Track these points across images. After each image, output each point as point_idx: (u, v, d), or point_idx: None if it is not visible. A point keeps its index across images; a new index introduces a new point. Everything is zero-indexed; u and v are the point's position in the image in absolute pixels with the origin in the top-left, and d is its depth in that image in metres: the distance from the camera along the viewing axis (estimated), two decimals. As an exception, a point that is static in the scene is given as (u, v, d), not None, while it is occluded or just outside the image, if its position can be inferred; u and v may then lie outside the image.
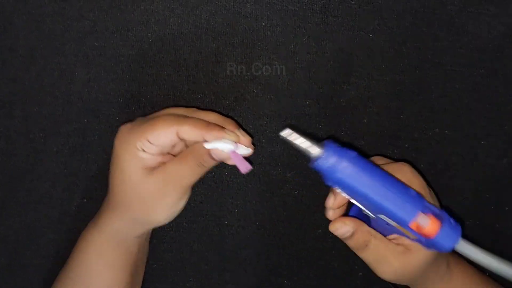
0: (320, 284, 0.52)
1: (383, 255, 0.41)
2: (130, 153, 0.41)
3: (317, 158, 0.37)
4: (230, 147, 0.40)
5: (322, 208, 0.50)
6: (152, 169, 0.41)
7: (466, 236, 0.38)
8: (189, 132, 0.40)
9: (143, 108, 0.49)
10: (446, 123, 0.49)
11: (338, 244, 0.51)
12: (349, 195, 0.39)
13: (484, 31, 0.48)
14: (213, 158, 0.41)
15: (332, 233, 0.51)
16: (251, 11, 0.47)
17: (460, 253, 0.38)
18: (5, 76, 0.48)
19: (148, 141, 0.40)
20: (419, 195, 0.38)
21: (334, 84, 0.48)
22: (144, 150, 0.41)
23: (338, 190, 0.39)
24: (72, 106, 0.48)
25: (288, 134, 0.38)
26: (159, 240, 0.51)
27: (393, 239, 0.42)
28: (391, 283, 0.48)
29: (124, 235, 0.44)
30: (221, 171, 0.50)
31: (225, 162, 0.42)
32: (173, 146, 0.43)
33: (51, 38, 0.47)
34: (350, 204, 0.43)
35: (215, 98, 0.48)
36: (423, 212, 0.37)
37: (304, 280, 0.52)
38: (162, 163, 0.42)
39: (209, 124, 0.41)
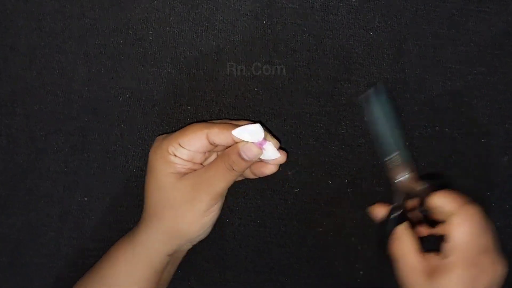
0: (321, 282, 0.52)
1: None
2: (162, 159, 0.41)
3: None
4: (257, 132, 0.39)
5: (323, 206, 0.51)
6: (183, 175, 0.41)
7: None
8: (218, 134, 0.40)
9: (144, 106, 0.49)
10: (446, 121, 0.49)
11: (339, 242, 0.51)
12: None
13: (484, 28, 0.48)
14: (242, 158, 0.39)
15: (332, 232, 0.51)
16: (251, 9, 0.47)
17: None
18: (6, 74, 0.48)
19: (180, 145, 0.41)
20: None
21: (334, 82, 0.48)
22: (175, 155, 0.41)
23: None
24: (73, 105, 0.48)
25: None
26: (160, 238, 0.51)
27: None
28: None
29: (156, 252, 0.43)
30: (222, 169, 0.50)
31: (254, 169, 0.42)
32: (205, 156, 0.43)
33: (52, 36, 0.47)
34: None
35: (215, 96, 0.49)
36: None
37: (305, 278, 0.52)
38: (193, 170, 0.42)
39: (237, 126, 0.40)
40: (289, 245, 0.51)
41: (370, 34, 0.48)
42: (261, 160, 0.42)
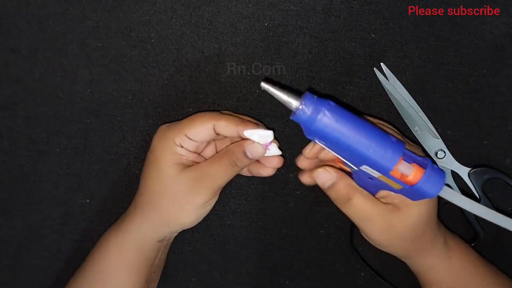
0: (322, 284, 0.52)
1: (369, 213, 0.40)
2: (167, 149, 0.42)
3: (296, 110, 0.36)
4: (268, 137, 0.41)
5: (324, 208, 0.51)
6: (185, 167, 0.42)
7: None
8: (226, 127, 0.41)
9: (146, 108, 0.49)
10: (448, 123, 0.49)
11: (340, 244, 0.51)
12: (329, 146, 0.37)
13: (486, 31, 0.48)
14: (247, 156, 0.41)
15: (334, 234, 0.51)
16: (253, 11, 0.47)
17: (445, 198, 0.38)
18: (8, 76, 0.48)
19: (187, 136, 0.41)
20: (400, 141, 0.37)
21: (336, 84, 0.48)
22: (182, 146, 0.42)
23: (319, 143, 0.38)
24: (75, 107, 0.49)
25: (268, 85, 0.36)
26: (162, 240, 0.51)
27: (381, 197, 0.41)
28: None
29: (147, 239, 0.44)
30: (223, 171, 0.50)
31: (253, 169, 0.44)
32: (207, 146, 0.44)
33: (54, 39, 0.47)
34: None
35: (217, 98, 0.49)
36: (405, 158, 0.36)
37: (306, 280, 0.52)
38: (196, 163, 0.43)
39: (244, 120, 0.42)
40: (290, 247, 0.51)
41: (371, 36, 0.48)
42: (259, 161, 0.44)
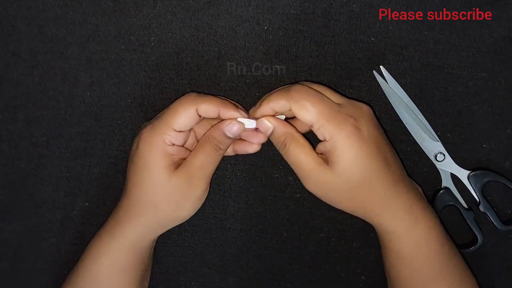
0: (323, 287, 0.52)
1: (302, 163, 0.42)
2: (157, 153, 0.42)
3: None
4: (250, 124, 0.43)
5: (325, 211, 0.51)
6: (176, 166, 0.43)
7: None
8: (207, 108, 0.41)
9: (145, 111, 0.49)
10: (448, 126, 0.49)
11: (341, 247, 0.51)
12: None
13: (485, 34, 0.48)
14: (227, 137, 0.42)
15: (334, 237, 0.51)
16: (253, 15, 0.47)
17: None
18: (8, 80, 0.48)
19: (175, 130, 0.41)
20: None
21: (335, 87, 0.48)
22: (173, 144, 0.42)
23: None
24: (75, 110, 0.49)
25: None
26: (162, 243, 0.51)
27: (319, 150, 0.42)
28: None
29: (142, 241, 0.44)
30: (223, 173, 0.50)
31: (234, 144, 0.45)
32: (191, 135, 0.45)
33: (54, 42, 0.47)
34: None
35: (217, 101, 0.49)
36: None
37: (307, 283, 0.52)
38: (184, 159, 0.43)
39: (224, 101, 0.42)
40: (291, 251, 0.51)
41: (371, 39, 0.48)
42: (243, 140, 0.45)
